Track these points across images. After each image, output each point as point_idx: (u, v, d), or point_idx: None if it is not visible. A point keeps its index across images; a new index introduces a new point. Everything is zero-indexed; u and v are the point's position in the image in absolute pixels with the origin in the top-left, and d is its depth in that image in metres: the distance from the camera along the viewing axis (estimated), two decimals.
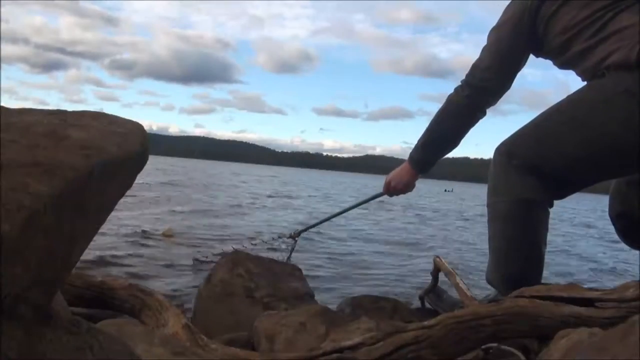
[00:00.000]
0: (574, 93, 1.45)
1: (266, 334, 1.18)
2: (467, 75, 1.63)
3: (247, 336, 1.28)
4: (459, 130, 1.70)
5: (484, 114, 1.68)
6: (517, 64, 1.60)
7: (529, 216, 1.46)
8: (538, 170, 1.43)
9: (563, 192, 1.49)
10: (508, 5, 1.58)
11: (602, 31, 1.38)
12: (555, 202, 1.49)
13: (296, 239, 2.18)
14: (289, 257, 2.41)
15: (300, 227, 2.34)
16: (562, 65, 1.56)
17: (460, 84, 1.65)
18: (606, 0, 1.40)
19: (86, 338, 0.48)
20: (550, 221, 1.51)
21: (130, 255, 2.93)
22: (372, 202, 2.06)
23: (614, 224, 1.66)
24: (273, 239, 2.65)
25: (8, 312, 0.40)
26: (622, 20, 1.36)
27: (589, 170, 1.43)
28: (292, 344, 1.14)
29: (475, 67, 1.62)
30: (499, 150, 1.53)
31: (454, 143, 1.72)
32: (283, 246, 2.61)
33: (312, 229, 2.34)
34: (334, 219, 2.32)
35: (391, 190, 1.87)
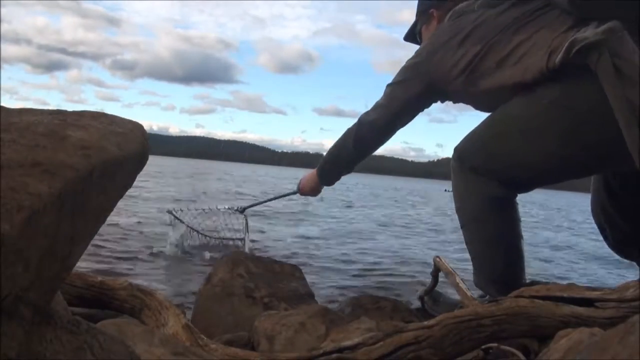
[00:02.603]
0: (509, 104, 1.43)
1: (266, 334, 1.18)
2: (367, 112, 1.72)
3: (247, 336, 1.28)
4: (349, 163, 1.86)
5: (371, 152, 1.80)
6: (411, 114, 1.68)
7: (497, 213, 1.46)
8: (491, 172, 1.44)
9: (521, 190, 1.49)
10: (408, 59, 1.63)
11: (509, 58, 1.37)
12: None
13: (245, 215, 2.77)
14: (247, 233, 3.02)
15: None
16: (478, 104, 1.59)
17: (359, 117, 1.75)
18: (498, 29, 1.40)
19: (86, 338, 0.48)
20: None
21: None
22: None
23: (603, 238, 1.66)
24: (226, 208, 3.19)
25: (8, 312, 0.40)
26: (521, 42, 1.35)
27: (538, 177, 1.44)
28: (292, 344, 1.14)
29: (375, 104, 1.71)
30: (453, 155, 1.54)
31: (347, 170, 1.91)
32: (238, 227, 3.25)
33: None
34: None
35: (302, 191, 2.11)
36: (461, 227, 1.55)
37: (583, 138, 1.29)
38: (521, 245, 1.49)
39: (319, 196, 2.19)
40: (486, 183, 1.44)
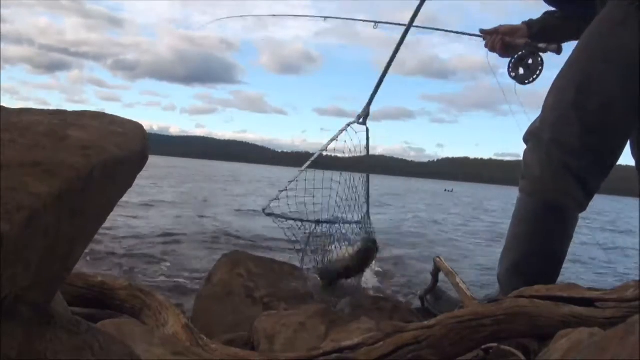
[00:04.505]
0: (586, 34, 1.38)
1: (266, 334, 1.18)
2: None
3: (247, 336, 1.28)
4: None
5: None
6: None
7: (558, 222, 1.40)
8: (582, 137, 1.34)
9: (605, 164, 1.40)
10: None
11: None
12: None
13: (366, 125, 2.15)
14: (367, 146, 2.29)
15: None
16: None
17: None
18: None
19: (86, 338, 0.48)
20: None
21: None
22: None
23: None
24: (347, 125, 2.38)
25: (8, 312, 0.40)
26: None
27: (627, 100, 1.34)
28: (292, 344, 1.14)
29: None
30: (538, 139, 1.43)
31: None
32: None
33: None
34: None
35: None
36: (513, 216, 1.48)
37: None
38: (562, 263, 1.45)
39: None
40: (567, 183, 1.36)
